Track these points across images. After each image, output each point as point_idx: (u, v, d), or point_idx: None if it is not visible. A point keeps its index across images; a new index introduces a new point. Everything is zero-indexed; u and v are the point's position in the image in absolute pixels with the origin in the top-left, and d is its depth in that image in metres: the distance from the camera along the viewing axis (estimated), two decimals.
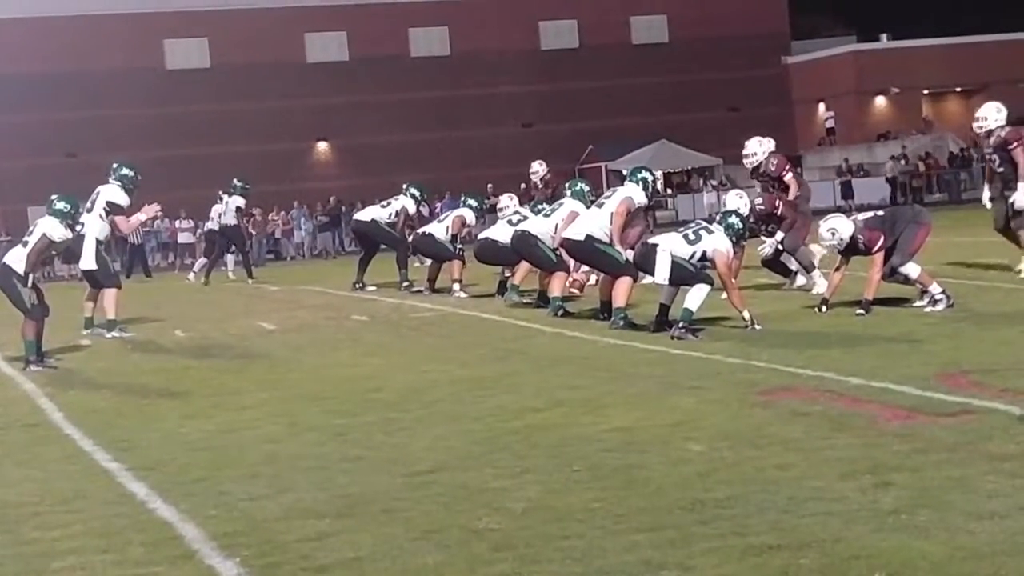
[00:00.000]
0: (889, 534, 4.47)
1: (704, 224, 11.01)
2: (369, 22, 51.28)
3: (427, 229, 16.04)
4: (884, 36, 57.50)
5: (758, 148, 13.74)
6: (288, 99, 49.34)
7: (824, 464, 5.45)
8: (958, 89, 56.68)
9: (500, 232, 14.21)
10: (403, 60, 52.14)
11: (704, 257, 10.37)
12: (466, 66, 51.90)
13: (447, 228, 15.70)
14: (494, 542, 4.70)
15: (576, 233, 11.70)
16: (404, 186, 17.44)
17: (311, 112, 49.21)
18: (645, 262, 10.60)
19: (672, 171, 47.00)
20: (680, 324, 9.98)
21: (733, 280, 10.38)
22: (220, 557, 4.74)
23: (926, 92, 55.84)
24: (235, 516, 5.32)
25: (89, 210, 12.96)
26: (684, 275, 10.33)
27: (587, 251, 11.70)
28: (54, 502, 5.78)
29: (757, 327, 10.12)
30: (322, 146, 49.57)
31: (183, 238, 37.52)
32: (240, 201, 21.98)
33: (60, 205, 11.19)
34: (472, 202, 16.45)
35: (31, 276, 10.91)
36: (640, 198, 11.72)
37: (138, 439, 7.17)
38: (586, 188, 13.62)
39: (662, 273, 10.38)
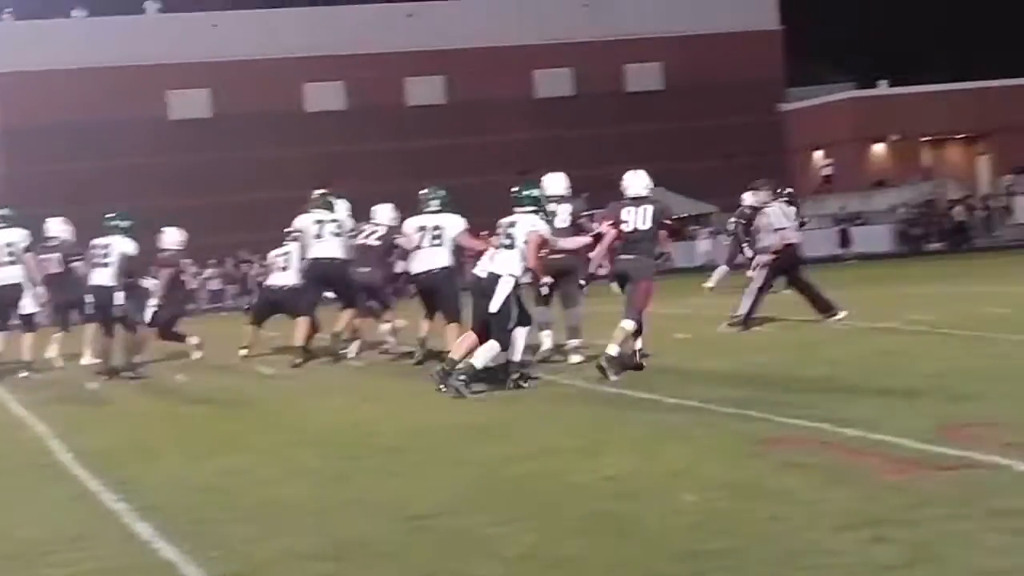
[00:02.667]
0: None
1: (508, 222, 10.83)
2: (366, 72, 51.87)
3: None
4: (883, 83, 57.68)
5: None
6: (288, 148, 49.72)
7: (821, 517, 5.35)
8: (959, 136, 56.81)
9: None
10: (400, 109, 52.60)
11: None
12: (462, 114, 52.32)
13: None
14: None
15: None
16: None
17: (310, 161, 49.56)
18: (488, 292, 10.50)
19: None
20: (460, 376, 10.07)
21: (536, 258, 10.57)
22: None
23: (925, 139, 55.98)
24: (235, 557, 5.39)
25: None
26: (503, 320, 10.34)
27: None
28: (64, 540, 5.90)
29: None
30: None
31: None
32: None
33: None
34: None
35: None
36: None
37: (143, 480, 7.34)
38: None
39: (496, 303, 10.32)
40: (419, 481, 6.77)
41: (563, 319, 12.53)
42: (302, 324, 14.54)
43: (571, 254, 12.01)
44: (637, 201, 11.50)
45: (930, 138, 56.18)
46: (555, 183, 12.37)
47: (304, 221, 14.58)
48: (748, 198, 21.00)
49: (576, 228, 12.23)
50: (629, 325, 11.08)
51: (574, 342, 12.34)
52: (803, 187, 53.43)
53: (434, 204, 12.94)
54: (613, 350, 10.83)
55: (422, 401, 10.33)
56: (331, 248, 14.25)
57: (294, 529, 5.83)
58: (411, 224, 13.07)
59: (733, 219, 21.96)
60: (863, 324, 14.33)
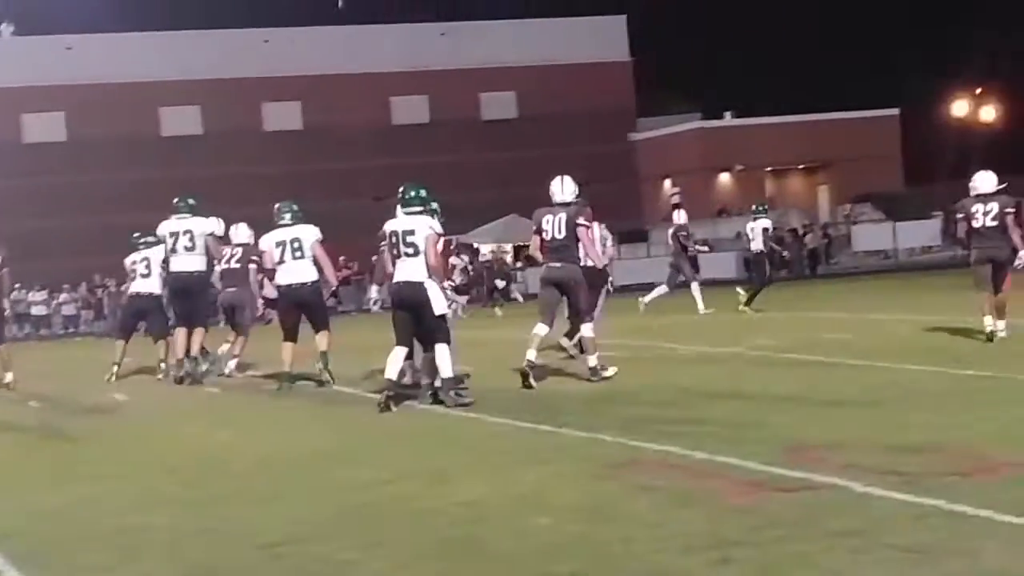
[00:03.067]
0: None
1: (394, 230, 10.92)
2: (223, 97, 51.35)
3: None
4: (728, 114, 59.06)
5: None
6: (144, 171, 48.92)
7: (668, 539, 5.47)
8: (800, 166, 58.54)
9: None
10: (257, 134, 52.14)
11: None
12: (319, 140, 52.04)
13: None
14: None
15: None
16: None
17: (167, 184, 48.69)
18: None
19: (523, 244, 47.42)
20: (451, 392, 10.41)
21: (437, 257, 10.69)
22: None
23: (769, 169, 57.52)
24: None
25: None
26: (443, 320, 10.61)
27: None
28: None
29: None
30: None
31: (37, 310, 36.75)
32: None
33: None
34: None
35: None
36: None
37: None
38: None
39: (440, 305, 10.53)
40: (273, 508, 6.74)
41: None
42: (180, 336, 14.74)
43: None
44: (555, 209, 11.95)
45: (772, 168, 57.76)
46: None
47: (162, 230, 14.77)
48: (678, 217, 23.18)
49: None
50: (588, 331, 11.91)
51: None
52: (654, 214, 54.40)
53: (287, 218, 13.10)
54: (593, 360, 11.73)
55: (277, 427, 10.34)
56: (187, 261, 14.49)
57: (147, 557, 5.79)
58: (268, 240, 13.14)
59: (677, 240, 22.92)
60: (710, 349, 14.64)
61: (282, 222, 13.10)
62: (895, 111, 57.72)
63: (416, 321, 10.62)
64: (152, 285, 15.36)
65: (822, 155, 56.55)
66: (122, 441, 10.17)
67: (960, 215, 13.82)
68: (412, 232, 10.66)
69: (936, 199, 48.76)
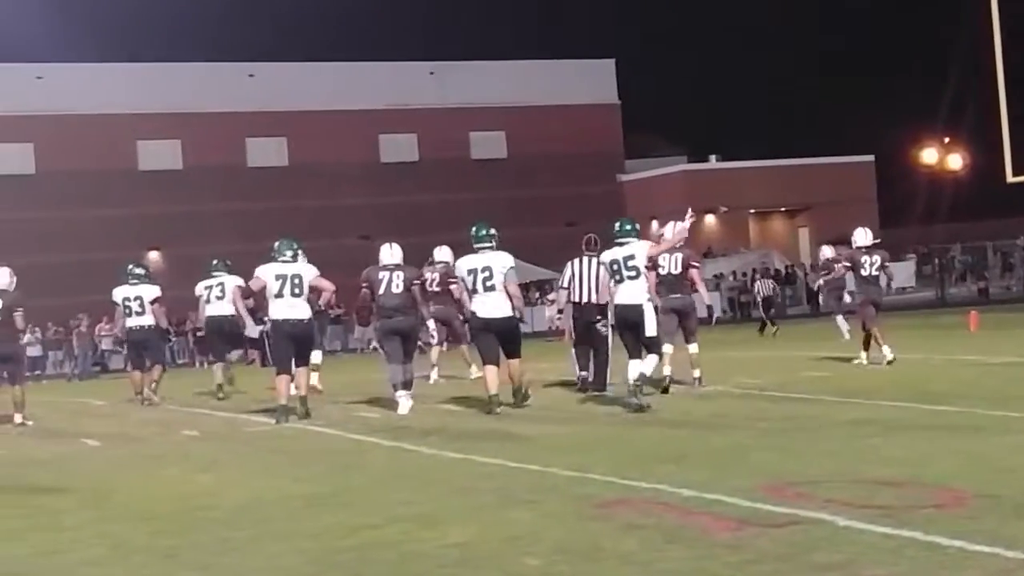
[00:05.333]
0: None
1: (615, 259, 12.28)
2: (204, 131, 50.99)
3: None
4: (713, 157, 59.59)
5: None
6: (119, 207, 48.53)
7: None
8: (783, 209, 58.98)
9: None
10: (240, 169, 51.92)
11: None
12: (305, 177, 51.94)
13: None
14: None
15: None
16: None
17: (143, 221, 48.55)
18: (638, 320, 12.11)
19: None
20: (637, 383, 12.03)
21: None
22: None
23: (752, 211, 57.91)
24: None
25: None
26: (659, 339, 12.32)
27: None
28: None
29: None
30: (154, 255, 48.56)
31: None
32: None
33: None
34: None
35: None
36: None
37: None
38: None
39: (650, 328, 12.07)
40: (255, 556, 6.50)
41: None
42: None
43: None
44: (672, 249, 13.90)
45: (756, 210, 58.18)
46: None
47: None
48: (827, 251, 24.45)
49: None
50: (695, 348, 14.44)
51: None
52: None
53: (288, 255, 13.64)
54: (696, 372, 14.45)
55: (259, 470, 10.04)
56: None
57: None
58: (268, 272, 13.43)
59: (822, 275, 23.81)
60: (697, 387, 14.71)
61: (283, 258, 13.43)
62: (871, 157, 58.59)
63: (634, 337, 12.18)
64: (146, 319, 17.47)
65: (803, 198, 57.10)
66: (91, 488, 9.54)
67: (848, 264, 17.03)
68: (632, 257, 12.18)
69: (909, 242, 49.24)
